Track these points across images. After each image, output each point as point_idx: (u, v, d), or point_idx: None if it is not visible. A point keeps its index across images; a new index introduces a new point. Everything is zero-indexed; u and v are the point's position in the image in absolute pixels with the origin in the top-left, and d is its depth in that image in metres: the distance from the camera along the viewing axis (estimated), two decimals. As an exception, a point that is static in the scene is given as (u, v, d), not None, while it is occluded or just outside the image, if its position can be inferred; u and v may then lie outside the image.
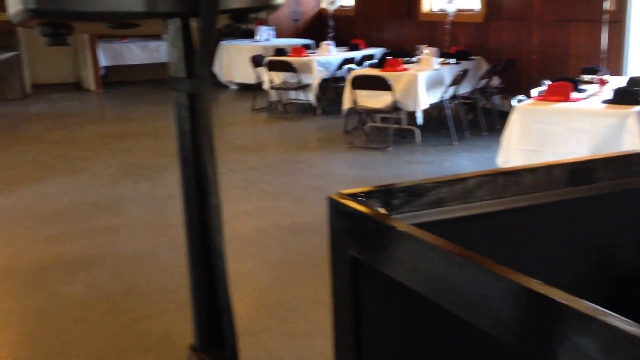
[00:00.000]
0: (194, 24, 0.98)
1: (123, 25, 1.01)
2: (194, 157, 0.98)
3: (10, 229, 5.26)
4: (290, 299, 3.88)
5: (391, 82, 7.33)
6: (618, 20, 7.26)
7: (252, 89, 10.56)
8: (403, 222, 0.92)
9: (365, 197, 1.15)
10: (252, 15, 0.95)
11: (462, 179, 1.25)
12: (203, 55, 0.92)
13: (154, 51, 13.12)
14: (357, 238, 1.00)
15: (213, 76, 12.83)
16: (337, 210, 1.11)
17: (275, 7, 0.97)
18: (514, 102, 5.58)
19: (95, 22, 1.03)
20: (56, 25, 1.00)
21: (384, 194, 1.18)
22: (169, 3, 0.90)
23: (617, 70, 7.21)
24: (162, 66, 13.67)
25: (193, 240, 0.95)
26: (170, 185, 6.29)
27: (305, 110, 9.80)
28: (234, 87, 12.33)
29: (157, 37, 13.48)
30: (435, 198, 1.22)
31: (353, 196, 1.15)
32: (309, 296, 3.90)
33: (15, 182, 6.57)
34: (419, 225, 0.87)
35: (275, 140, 8.60)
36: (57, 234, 5.10)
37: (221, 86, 12.33)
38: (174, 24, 0.98)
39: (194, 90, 0.98)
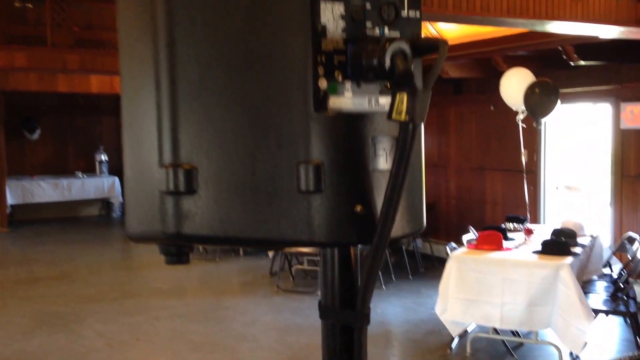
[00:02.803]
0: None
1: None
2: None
3: None
4: None
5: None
6: (532, 171, 7.69)
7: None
8: None
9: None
10: (403, 241, 0.95)
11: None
12: (366, 288, 0.87)
13: (65, 189, 12.69)
14: None
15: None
16: None
17: (420, 232, 0.96)
18: (448, 249, 5.66)
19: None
20: (187, 245, 0.96)
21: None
22: (336, 233, 0.88)
23: (534, 218, 7.54)
24: (73, 204, 13.20)
25: None
26: (89, 338, 5.84)
27: (226, 250, 9.58)
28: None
29: (69, 174, 13.14)
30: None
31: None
32: None
33: None
34: None
35: (199, 284, 8.27)
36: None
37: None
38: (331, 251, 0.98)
39: (350, 323, 0.93)
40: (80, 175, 13.06)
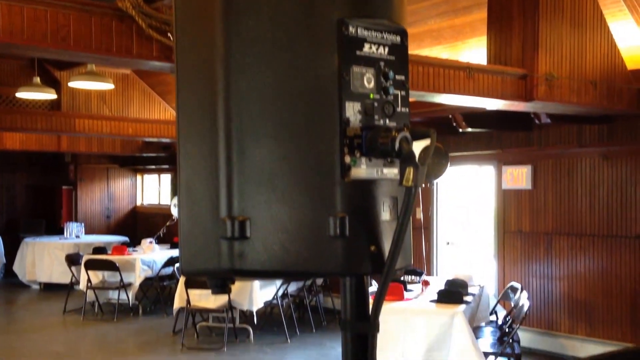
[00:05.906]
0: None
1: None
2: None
3: None
4: None
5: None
6: (427, 227, 8.27)
7: (60, 289, 10.03)
8: None
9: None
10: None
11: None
12: (377, 305, 1.19)
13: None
14: None
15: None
16: None
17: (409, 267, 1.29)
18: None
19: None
20: (230, 279, 1.21)
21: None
22: (356, 266, 1.20)
23: (429, 270, 8.08)
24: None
25: None
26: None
27: (124, 310, 9.43)
28: (35, 287, 11.65)
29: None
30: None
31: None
32: None
33: None
34: None
35: (95, 346, 8.09)
36: None
37: (22, 286, 11.61)
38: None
39: (365, 332, 1.23)
40: (-39, 236, 12.39)
